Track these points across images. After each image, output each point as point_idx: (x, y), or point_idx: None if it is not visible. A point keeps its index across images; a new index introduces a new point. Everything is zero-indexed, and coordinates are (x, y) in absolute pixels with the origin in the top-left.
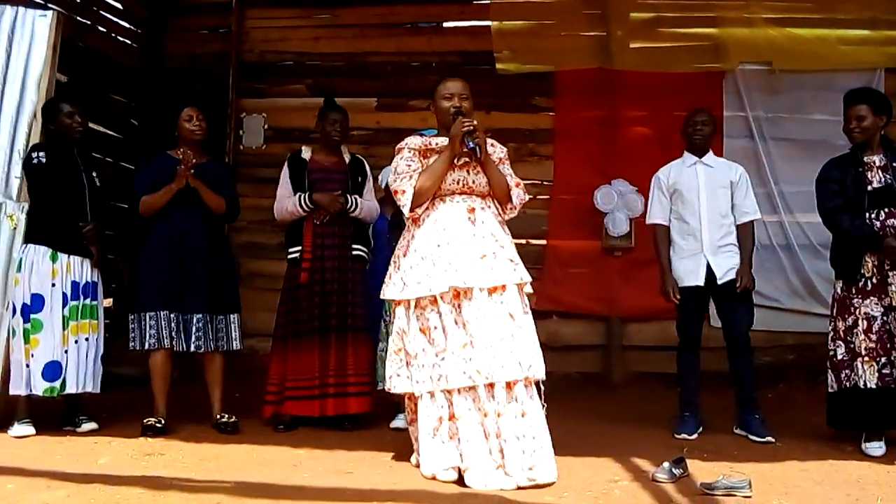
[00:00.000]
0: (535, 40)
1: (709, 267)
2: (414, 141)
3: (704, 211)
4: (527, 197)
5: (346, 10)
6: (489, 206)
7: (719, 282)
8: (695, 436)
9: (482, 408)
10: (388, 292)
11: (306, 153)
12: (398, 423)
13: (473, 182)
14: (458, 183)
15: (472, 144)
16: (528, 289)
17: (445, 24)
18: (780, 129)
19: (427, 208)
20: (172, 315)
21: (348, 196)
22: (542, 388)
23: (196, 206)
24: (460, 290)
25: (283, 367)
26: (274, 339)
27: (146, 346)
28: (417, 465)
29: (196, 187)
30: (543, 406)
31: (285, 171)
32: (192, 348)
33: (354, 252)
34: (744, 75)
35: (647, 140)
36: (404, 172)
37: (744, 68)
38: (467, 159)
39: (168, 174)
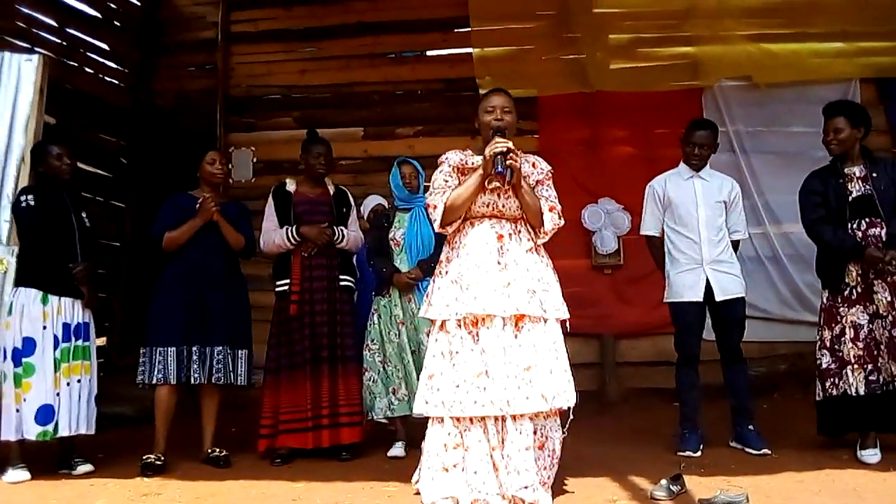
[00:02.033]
0: (516, 66)
1: (707, 282)
2: (453, 157)
3: (703, 225)
4: (562, 221)
5: (331, 42)
6: (520, 232)
7: (718, 299)
8: (698, 453)
9: (491, 440)
10: (421, 311)
11: (291, 186)
12: (396, 451)
13: (504, 206)
14: (487, 206)
15: (500, 168)
16: (564, 315)
17: (429, 53)
18: (760, 143)
19: (459, 230)
20: (185, 349)
21: (335, 228)
22: (570, 415)
23: (216, 242)
24: (479, 317)
25: (276, 399)
26: (266, 372)
27: (153, 381)
28: (416, 492)
29: (218, 222)
30: (565, 433)
31: (270, 204)
32: (210, 380)
33: (342, 283)
34: (722, 91)
35: (631, 158)
36: (439, 188)
37: (722, 84)
38: (498, 183)
39: (188, 212)
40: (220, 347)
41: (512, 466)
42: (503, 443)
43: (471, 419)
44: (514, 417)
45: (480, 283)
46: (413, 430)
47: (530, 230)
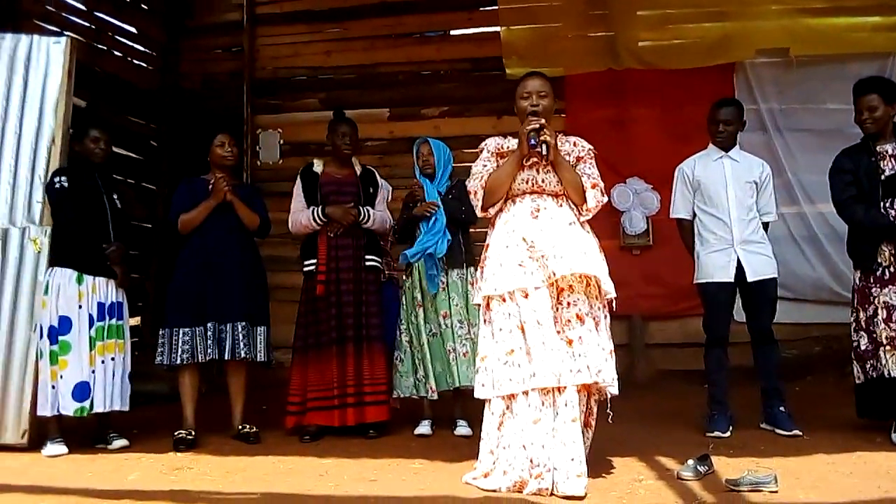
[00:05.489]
0: (544, 44)
1: (738, 262)
2: (492, 142)
3: (733, 206)
4: (605, 199)
5: (356, 22)
6: (562, 206)
7: (749, 280)
8: (728, 434)
9: (523, 412)
10: (473, 297)
11: (318, 166)
12: (422, 429)
13: (543, 181)
14: (527, 182)
15: (533, 142)
16: (610, 293)
17: (454, 32)
18: (794, 120)
19: (500, 209)
20: (202, 328)
21: (360, 208)
22: (609, 396)
23: (231, 221)
24: (527, 289)
25: (304, 378)
26: (294, 351)
27: (178, 362)
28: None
29: (232, 202)
30: (609, 414)
31: (298, 185)
32: (225, 356)
33: (368, 263)
34: (754, 68)
35: (660, 137)
36: (478, 173)
37: (754, 61)
38: (536, 159)
39: (202, 196)
40: (242, 323)
41: (559, 439)
42: (537, 420)
43: (514, 395)
44: (559, 389)
45: (525, 255)
46: (438, 409)
47: (573, 206)
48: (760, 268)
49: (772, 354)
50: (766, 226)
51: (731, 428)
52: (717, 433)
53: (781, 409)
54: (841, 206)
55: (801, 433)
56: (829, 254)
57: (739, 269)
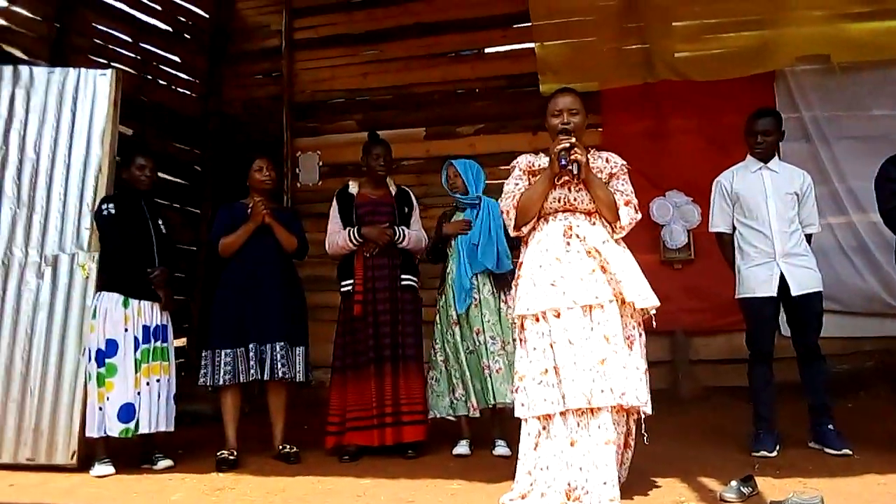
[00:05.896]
0: (578, 59)
1: (781, 276)
2: (523, 160)
3: (774, 218)
4: (638, 215)
5: (391, 44)
6: (595, 224)
7: (794, 294)
8: (774, 453)
9: (560, 434)
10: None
11: (353, 188)
12: (461, 449)
13: (575, 199)
14: (559, 201)
15: (563, 161)
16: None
17: (488, 50)
18: (838, 128)
19: (534, 228)
20: (244, 349)
21: (395, 228)
22: (643, 415)
23: (269, 244)
24: (559, 309)
25: (343, 398)
26: (333, 371)
27: (220, 383)
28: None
29: (270, 225)
30: (644, 435)
31: (334, 207)
32: (264, 377)
33: (404, 282)
34: (795, 75)
35: (699, 149)
36: (510, 193)
37: (795, 69)
38: (567, 177)
39: (241, 220)
40: (281, 343)
41: (590, 461)
42: (573, 441)
43: (548, 416)
44: (592, 411)
45: (557, 275)
46: (476, 428)
47: (606, 224)
48: (805, 281)
49: (819, 370)
50: (809, 238)
51: (777, 447)
52: (762, 452)
53: (830, 427)
54: (887, 215)
55: (850, 452)
56: (881, 264)
57: (783, 283)
